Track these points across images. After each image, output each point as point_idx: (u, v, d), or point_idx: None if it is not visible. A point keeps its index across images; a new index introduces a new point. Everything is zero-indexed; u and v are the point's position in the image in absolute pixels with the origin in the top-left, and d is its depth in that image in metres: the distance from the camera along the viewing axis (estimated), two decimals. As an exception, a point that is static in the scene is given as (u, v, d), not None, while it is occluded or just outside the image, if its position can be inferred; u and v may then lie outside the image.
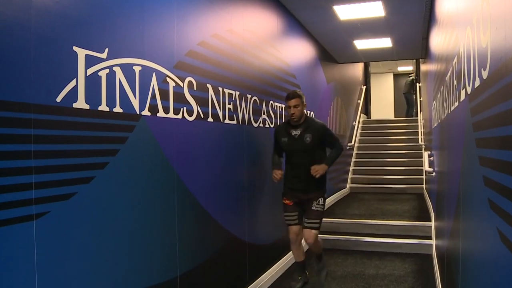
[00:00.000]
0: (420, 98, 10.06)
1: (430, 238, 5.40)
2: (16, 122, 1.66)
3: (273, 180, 3.88)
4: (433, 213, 5.60)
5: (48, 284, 1.79)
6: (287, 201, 3.93)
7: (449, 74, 2.67)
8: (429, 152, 5.34)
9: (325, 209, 3.97)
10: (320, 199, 3.85)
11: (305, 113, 3.86)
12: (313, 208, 3.82)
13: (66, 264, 1.89)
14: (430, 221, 5.75)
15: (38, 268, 1.74)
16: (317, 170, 3.73)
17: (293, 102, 3.71)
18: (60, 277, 1.86)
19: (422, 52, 7.53)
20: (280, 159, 4.04)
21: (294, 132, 3.80)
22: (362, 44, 7.03)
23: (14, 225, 1.65)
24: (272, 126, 4.44)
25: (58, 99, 1.85)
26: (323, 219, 4.04)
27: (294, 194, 3.89)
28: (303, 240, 3.97)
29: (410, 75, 13.20)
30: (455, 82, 2.29)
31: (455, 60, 2.29)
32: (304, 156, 3.81)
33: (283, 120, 4.59)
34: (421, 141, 8.45)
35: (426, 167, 4.95)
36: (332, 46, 7.23)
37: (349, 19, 5.62)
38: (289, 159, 3.94)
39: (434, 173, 4.73)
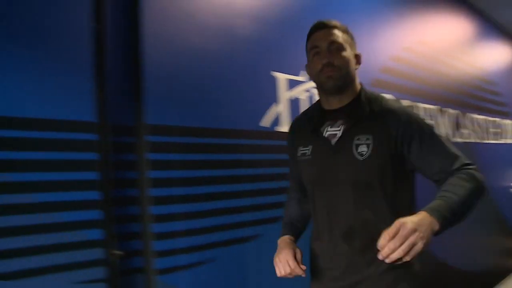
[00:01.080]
0: None
1: None
2: (228, 148, 1.75)
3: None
4: None
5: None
6: None
7: None
8: None
9: None
10: None
11: (360, 82, 1.55)
12: None
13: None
14: None
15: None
16: (403, 242, 1.07)
17: (329, 36, 1.46)
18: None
19: None
20: (303, 211, 1.56)
21: (329, 130, 1.44)
22: None
23: (240, 244, 1.75)
24: (477, 140, 3.99)
25: (262, 124, 1.91)
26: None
27: None
28: None
29: None
30: None
31: None
32: (353, 197, 1.37)
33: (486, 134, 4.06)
34: None
35: None
36: (536, 46, 6.32)
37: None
38: (317, 204, 1.46)
39: None
